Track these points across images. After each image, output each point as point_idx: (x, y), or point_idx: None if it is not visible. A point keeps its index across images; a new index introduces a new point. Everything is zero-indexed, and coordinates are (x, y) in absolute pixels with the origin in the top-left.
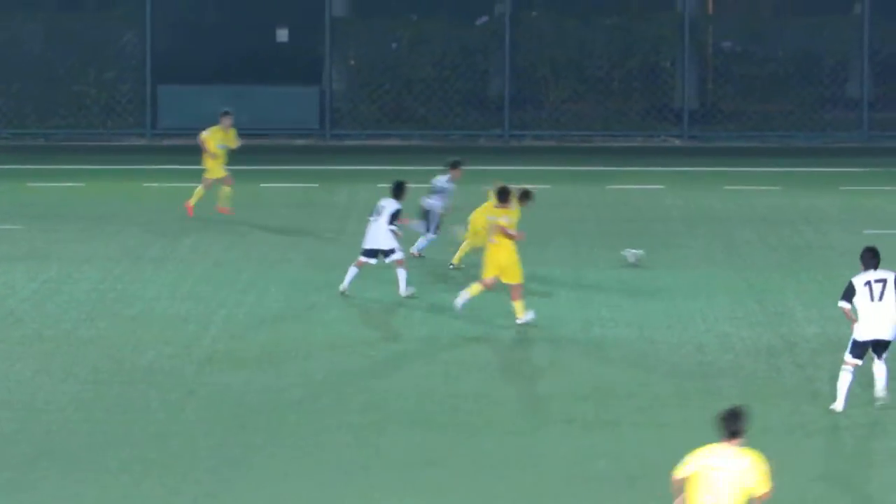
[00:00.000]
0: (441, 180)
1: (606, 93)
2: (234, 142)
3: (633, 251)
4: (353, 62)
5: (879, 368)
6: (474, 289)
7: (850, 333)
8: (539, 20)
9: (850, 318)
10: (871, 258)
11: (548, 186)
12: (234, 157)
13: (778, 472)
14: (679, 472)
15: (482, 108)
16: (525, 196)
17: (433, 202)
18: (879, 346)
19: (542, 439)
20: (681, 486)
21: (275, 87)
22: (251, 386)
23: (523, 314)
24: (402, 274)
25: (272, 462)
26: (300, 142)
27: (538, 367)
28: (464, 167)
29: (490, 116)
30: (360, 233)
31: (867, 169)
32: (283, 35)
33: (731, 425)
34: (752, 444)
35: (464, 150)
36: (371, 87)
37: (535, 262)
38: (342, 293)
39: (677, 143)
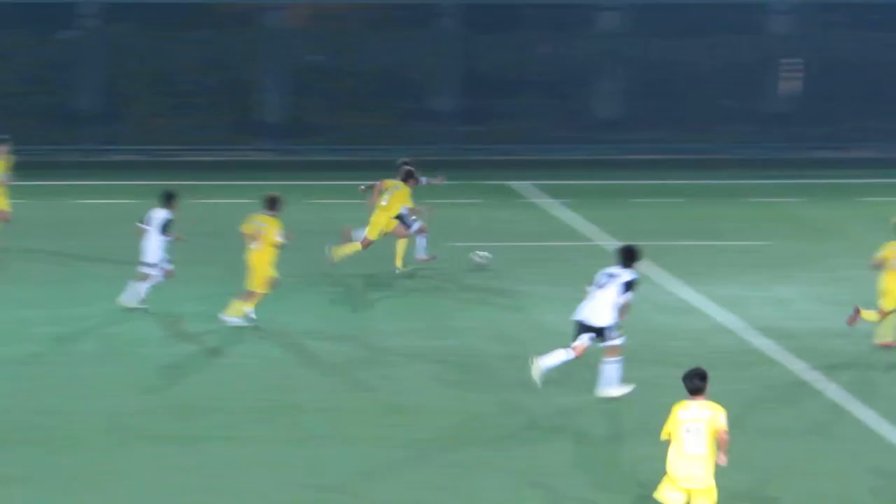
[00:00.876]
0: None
1: (193, 107)
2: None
3: (482, 253)
4: None
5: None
6: (242, 303)
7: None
8: (126, 34)
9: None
10: (619, 256)
11: (136, 201)
12: None
13: (368, 482)
14: (665, 433)
15: (67, 122)
16: (410, 175)
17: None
18: (591, 331)
19: (123, 456)
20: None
21: None
22: None
23: (236, 316)
24: (145, 285)
25: None
26: None
27: (122, 384)
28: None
29: (75, 131)
30: None
31: (454, 182)
32: None
33: (695, 383)
34: (342, 458)
35: (48, 165)
36: None
37: (115, 276)
38: (141, 307)
39: (265, 157)
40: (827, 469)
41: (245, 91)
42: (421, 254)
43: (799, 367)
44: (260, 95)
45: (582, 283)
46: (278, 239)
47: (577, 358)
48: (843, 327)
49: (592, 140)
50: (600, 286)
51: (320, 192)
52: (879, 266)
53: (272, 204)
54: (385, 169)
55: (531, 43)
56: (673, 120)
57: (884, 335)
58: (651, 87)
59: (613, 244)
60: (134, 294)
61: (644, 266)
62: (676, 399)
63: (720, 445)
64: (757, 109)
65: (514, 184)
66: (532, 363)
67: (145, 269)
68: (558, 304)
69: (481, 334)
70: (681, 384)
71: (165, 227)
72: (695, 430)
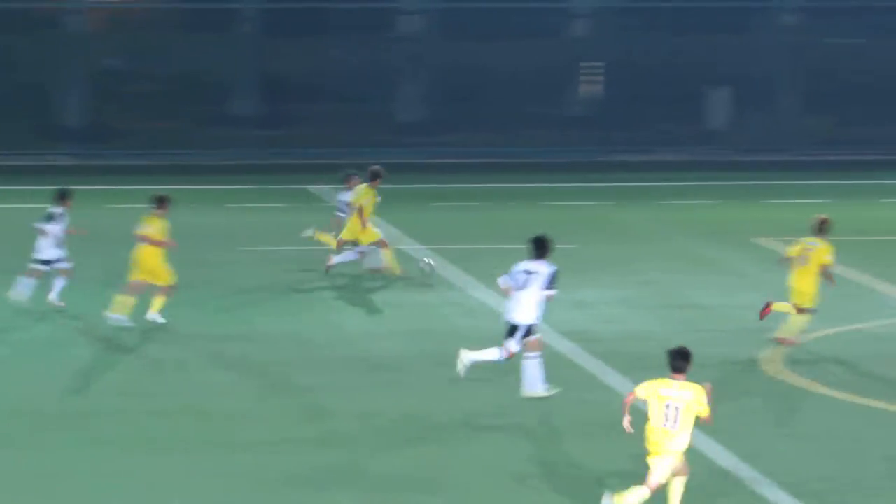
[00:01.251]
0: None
1: None
2: None
3: (426, 260)
4: None
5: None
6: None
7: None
8: None
9: (507, 294)
10: (532, 248)
11: None
12: None
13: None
14: (637, 392)
15: None
16: (376, 175)
17: (342, 215)
18: (516, 331)
19: None
20: (631, 402)
21: None
22: None
23: (157, 312)
24: (60, 283)
25: None
26: None
27: None
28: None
29: None
30: None
31: (253, 186)
32: None
33: (678, 362)
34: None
35: None
36: None
37: None
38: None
39: (64, 161)
40: (626, 468)
41: (44, 95)
42: (336, 259)
43: (601, 370)
44: (59, 99)
45: (383, 287)
46: (160, 241)
47: (508, 359)
48: (646, 330)
49: (394, 144)
50: (520, 287)
51: (120, 197)
52: (786, 263)
53: (157, 203)
54: (186, 173)
55: (332, 47)
56: (477, 124)
57: (787, 332)
58: (454, 91)
59: (417, 248)
60: (56, 293)
61: (450, 270)
62: (477, 403)
63: (703, 417)
64: (560, 113)
65: (314, 188)
66: (459, 356)
67: (57, 266)
68: (357, 308)
69: (281, 338)
70: (482, 388)
71: (49, 219)
72: (674, 409)
